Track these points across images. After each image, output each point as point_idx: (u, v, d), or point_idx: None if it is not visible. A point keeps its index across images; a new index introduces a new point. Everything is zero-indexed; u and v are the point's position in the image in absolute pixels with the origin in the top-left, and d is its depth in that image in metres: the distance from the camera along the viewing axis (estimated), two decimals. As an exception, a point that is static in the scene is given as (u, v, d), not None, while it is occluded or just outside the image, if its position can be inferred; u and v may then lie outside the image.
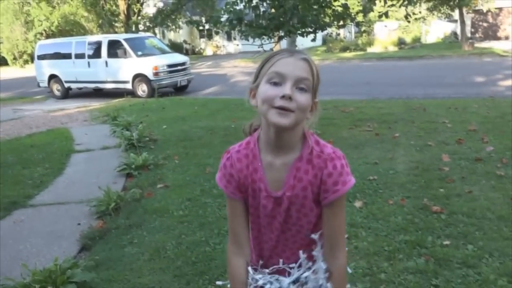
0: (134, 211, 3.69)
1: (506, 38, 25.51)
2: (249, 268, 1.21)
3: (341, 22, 6.46)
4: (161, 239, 3.14)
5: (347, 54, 21.52)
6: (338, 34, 25.69)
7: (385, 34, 24.90)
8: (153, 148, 5.78)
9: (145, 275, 2.66)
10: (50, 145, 6.47)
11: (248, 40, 6.57)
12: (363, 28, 27.81)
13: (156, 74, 11.63)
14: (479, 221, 3.04)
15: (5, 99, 13.45)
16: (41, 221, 3.77)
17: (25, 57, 30.32)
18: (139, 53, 12.15)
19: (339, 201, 1.15)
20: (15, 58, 31.10)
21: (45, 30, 28.53)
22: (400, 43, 23.33)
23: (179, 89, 12.48)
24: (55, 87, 13.24)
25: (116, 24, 26.98)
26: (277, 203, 1.18)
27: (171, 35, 30.66)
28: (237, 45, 28.27)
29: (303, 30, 6.46)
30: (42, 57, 13.39)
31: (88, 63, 12.48)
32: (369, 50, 22.59)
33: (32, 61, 17.47)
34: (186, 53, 25.73)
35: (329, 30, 8.60)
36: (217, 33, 27.97)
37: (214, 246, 2.95)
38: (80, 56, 12.62)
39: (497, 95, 8.27)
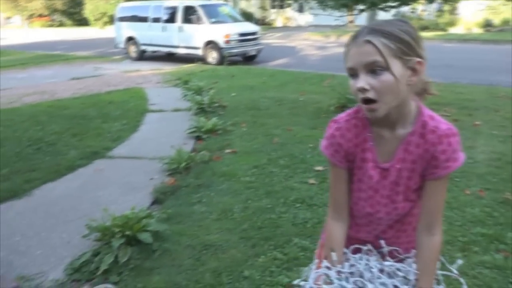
0: (203, 172, 3.82)
1: None
2: (347, 251, 1.20)
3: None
4: (228, 201, 3.23)
5: (427, 34, 20.11)
6: (423, 11, 24.03)
7: (471, 14, 22.92)
8: (222, 114, 5.90)
9: (212, 233, 2.77)
10: (127, 103, 6.83)
11: (325, 10, 6.36)
12: (445, 7, 25.83)
13: (227, 42, 11.72)
14: None
15: (86, 57, 14.35)
16: (118, 172, 4.03)
17: (105, 18, 31.85)
18: (212, 20, 12.28)
19: (446, 177, 1.12)
20: (96, 19, 32.81)
21: (125, -7, 29.65)
22: (487, 25, 21.39)
23: (248, 59, 12.51)
24: (132, 49, 13.84)
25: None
26: (383, 175, 1.16)
27: (242, 4, 30.56)
28: (313, 14, 27.37)
29: (386, 4, 6.12)
30: (121, 19, 14.00)
31: (163, 27, 12.86)
32: (451, 30, 21.00)
33: (111, 23, 18.35)
34: (257, 23, 25.58)
35: (411, 6, 8.07)
36: (289, 5, 27.38)
37: (280, 215, 2.98)
38: (156, 20, 13.03)
39: None
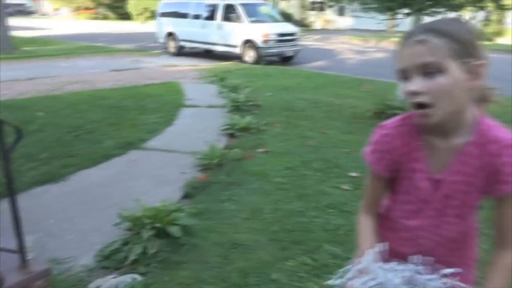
0: (235, 170, 3.79)
1: None
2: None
3: (481, 4, 5.76)
4: (258, 201, 3.19)
5: (471, 43, 19.41)
6: (471, 19, 23.17)
7: (521, 25, 21.84)
8: (256, 113, 5.87)
9: (241, 232, 2.73)
10: (163, 96, 6.92)
11: (367, 14, 6.22)
12: (493, 16, 24.78)
13: (265, 41, 11.71)
14: None
15: (127, 50, 14.71)
16: (151, 164, 4.07)
17: (147, 13, 32.61)
18: (252, 19, 12.29)
19: None
20: (138, 14, 33.65)
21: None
22: (538, 36, 20.35)
23: (285, 59, 12.44)
24: (171, 44, 14.06)
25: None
26: (434, 187, 1.08)
27: (282, 5, 30.51)
28: (354, 17, 27.08)
29: (432, 9, 5.91)
30: (163, 15, 14.26)
31: (203, 24, 12.98)
32: (498, 41, 20.13)
33: (153, 18, 18.75)
34: (296, 24, 25.45)
35: (458, 13, 7.76)
36: (330, 6, 27.07)
37: (311, 219, 2.91)
38: (196, 16, 13.18)
39: None
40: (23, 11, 45.21)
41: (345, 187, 3.43)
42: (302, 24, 30.40)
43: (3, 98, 6.45)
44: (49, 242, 2.69)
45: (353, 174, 3.66)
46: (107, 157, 4.14)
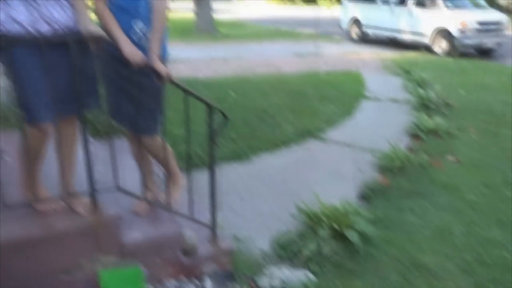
0: (419, 178, 3.44)
1: None
2: None
3: None
4: (447, 219, 2.81)
5: None
6: None
7: None
8: (446, 114, 5.22)
9: (425, 253, 2.44)
10: (343, 85, 6.77)
11: None
12: None
13: (462, 31, 10.31)
14: None
15: (310, 36, 14.98)
16: (328, 156, 4.03)
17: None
18: (449, 4, 10.96)
19: None
20: (324, -1, 33.86)
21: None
22: None
23: (483, 52, 10.79)
24: (354, 30, 13.71)
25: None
26: None
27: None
28: None
29: None
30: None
31: (392, 10, 12.20)
32: None
33: (339, 2, 18.58)
34: (501, 10, 21.80)
35: None
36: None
37: (516, 255, 2.42)
38: (386, 2, 12.45)
39: None
40: (222, -4, 50.61)
41: None
42: (508, 10, 25.93)
43: (203, 76, 7.30)
44: (231, 218, 2.90)
45: None
46: (286, 143, 4.25)
